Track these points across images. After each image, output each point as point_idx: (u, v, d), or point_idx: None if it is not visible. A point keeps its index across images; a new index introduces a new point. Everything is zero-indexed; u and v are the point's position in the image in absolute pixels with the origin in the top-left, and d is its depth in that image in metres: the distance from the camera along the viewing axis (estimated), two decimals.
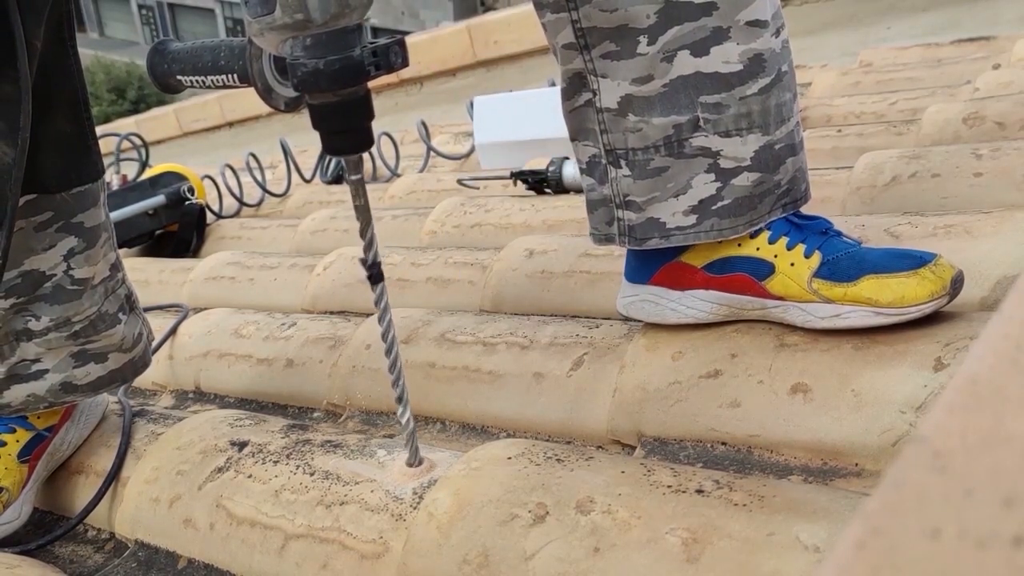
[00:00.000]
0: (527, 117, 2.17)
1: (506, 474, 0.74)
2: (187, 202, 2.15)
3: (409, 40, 3.92)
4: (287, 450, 0.88)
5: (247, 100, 4.49)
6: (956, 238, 0.98)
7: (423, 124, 2.49)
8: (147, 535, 0.90)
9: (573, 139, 0.94)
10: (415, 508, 0.75)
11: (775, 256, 0.87)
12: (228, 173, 2.42)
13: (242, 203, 2.38)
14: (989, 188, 1.18)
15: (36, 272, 0.91)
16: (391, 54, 0.67)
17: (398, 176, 2.39)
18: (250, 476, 0.86)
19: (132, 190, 2.14)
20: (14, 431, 0.98)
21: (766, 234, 0.88)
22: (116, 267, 1.01)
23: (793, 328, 0.88)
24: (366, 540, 0.76)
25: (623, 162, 0.88)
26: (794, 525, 0.62)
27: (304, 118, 0.68)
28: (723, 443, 0.84)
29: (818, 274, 0.85)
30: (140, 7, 28.31)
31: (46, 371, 0.95)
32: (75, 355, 0.96)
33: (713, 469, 0.78)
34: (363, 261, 0.73)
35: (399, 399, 0.77)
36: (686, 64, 0.83)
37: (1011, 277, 0.90)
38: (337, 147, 0.69)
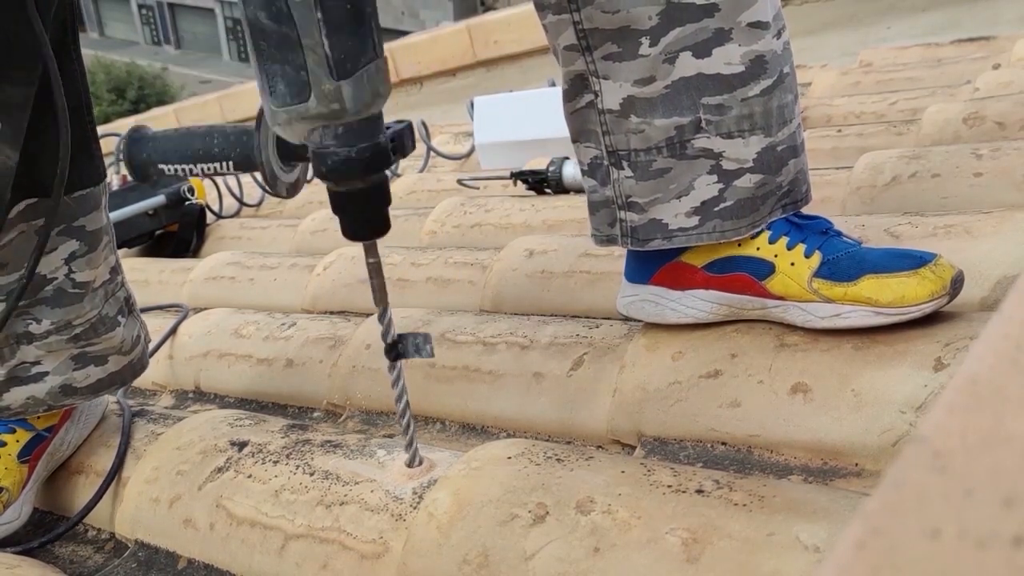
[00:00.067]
0: (527, 117, 2.17)
1: (506, 474, 0.74)
2: (187, 202, 2.15)
3: (409, 40, 3.93)
4: (287, 450, 0.88)
5: (247, 100, 4.50)
6: (956, 238, 0.98)
7: (423, 124, 2.49)
8: (147, 535, 0.90)
9: (575, 140, 0.94)
10: (415, 508, 0.75)
11: (775, 256, 0.87)
12: None
13: (242, 203, 2.38)
14: (989, 188, 1.18)
15: (37, 275, 0.91)
16: (405, 139, 0.70)
17: (398, 176, 2.39)
18: (250, 476, 0.86)
19: (132, 190, 2.14)
20: (14, 431, 0.98)
21: (766, 234, 0.88)
22: (116, 270, 1.01)
23: (793, 328, 0.88)
24: (366, 540, 0.76)
25: (625, 163, 0.89)
26: (794, 525, 0.62)
27: None
28: (723, 443, 0.84)
29: (818, 274, 0.85)
30: (140, 7, 28.32)
31: (46, 374, 0.95)
32: (75, 358, 0.96)
33: (713, 469, 0.78)
34: (383, 339, 0.75)
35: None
36: (688, 65, 0.83)
37: (1011, 277, 0.90)
38: (357, 233, 0.71)
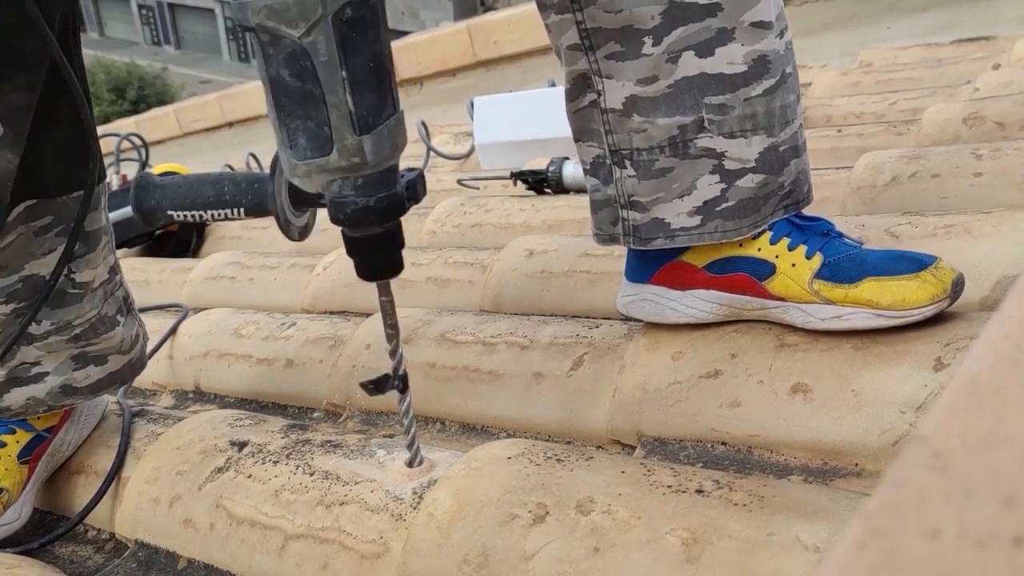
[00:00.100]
0: (527, 117, 2.17)
1: (506, 474, 0.74)
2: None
3: (409, 40, 3.93)
4: (287, 450, 0.88)
5: (247, 100, 4.50)
6: (956, 238, 0.98)
7: (423, 124, 2.49)
8: (147, 535, 0.90)
9: (577, 140, 0.94)
10: (415, 508, 0.75)
11: (776, 257, 0.87)
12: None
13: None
14: (989, 188, 1.18)
15: (36, 276, 0.91)
16: (418, 187, 0.72)
17: None
18: (250, 476, 0.86)
19: None
20: (14, 432, 0.98)
21: (767, 235, 0.88)
22: (114, 270, 1.01)
23: (793, 328, 0.88)
24: (366, 540, 0.76)
25: (628, 162, 0.89)
26: (794, 525, 0.62)
27: None
28: (723, 443, 0.84)
29: (819, 275, 0.85)
30: (140, 7, 28.32)
31: (46, 374, 0.95)
32: (75, 358, 0.96)
33: (713, 469, 0.78)
34: (393, 373, 0.76)
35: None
36: (691, 65, 0.83)
37: (1011, 277, 0.90)
38: (372, 274, 0.73)
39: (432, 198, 2.06)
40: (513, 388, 1.00)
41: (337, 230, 0.72)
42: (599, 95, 0.88)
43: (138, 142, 2.47)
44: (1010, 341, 0.30)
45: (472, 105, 2.31)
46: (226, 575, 0.83)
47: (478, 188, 2.04)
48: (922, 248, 0.96)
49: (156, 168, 2.29)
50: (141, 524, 0.91)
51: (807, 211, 0.93)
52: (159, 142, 4.68)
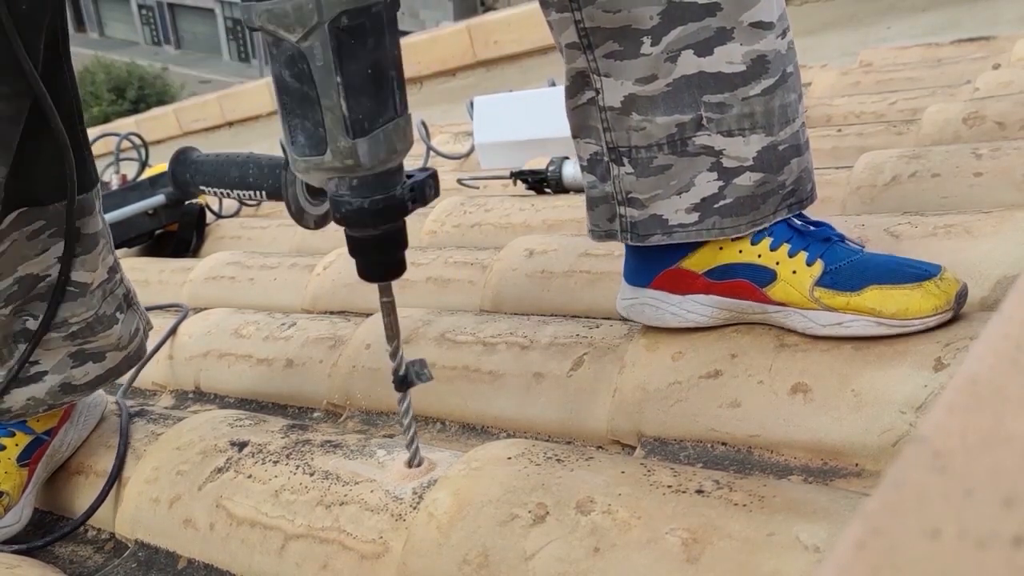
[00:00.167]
0: (527, 117, 2.17)
1: (506, 474, 0.74)
2: (187, 202, 2.15)
3: (409, 40, 3.93)
4: (287, 450, 0.88)
5: (247, 100, 4.49)
6: (956, 238, 0.98)
7: (423, 124, 2.49)
8: (147, 535, 0.90)
9: (575, 136, 0.94)
10: (415, 508, 0.75)
11: (777, 263, 0.87)
12: None
13: (242, 203, 2.37)
14: (989, 188, 1.18)
15: (30, 276, 0.91)
16: (427, 188, 0.72)
17: None
18: (250, 476, 0.86)
19: (132, 190, 2.13)
20: (13, 435, 0.98)
21: (768, 240, 0.88)
22: (114, 269, 1.01)
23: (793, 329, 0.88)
24: (366, 540, 0.76)
25: (626, 160, 0.88)
26: (794, 525, 0.62)
27: None
28: (723, 443, 0.84)
29: (820, 283, 0.85)
30: (140, 7, 28.32)
31: (45, 373, 0.95)
32: (73, 355, 0.96)
33: (713, 469, 0.78)
34: (394, 374, 0.77)
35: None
36: (690, 64, 0.83)
37: (1011, 277, 0.90)
38: (372, 274, 0.73)
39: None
40: (513, 388, 1.00)
41: (336, 230, 0.72)
42: (597, 93, 0.88)
43: (138, 142, 2.47)
44: (1010, 341, 0.30)
45: (472, 105, 2.31)
46: (226, 575, 0.83)
47: (478, 188, 2.04)
48: (922, 248, 0.96)
49: (156, 168, 2.29)
50: (141, 524, 0.91)
51: (811, 215, 0.92)
52: (159, 142, 4.68)
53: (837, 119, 1.98)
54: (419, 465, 0.79)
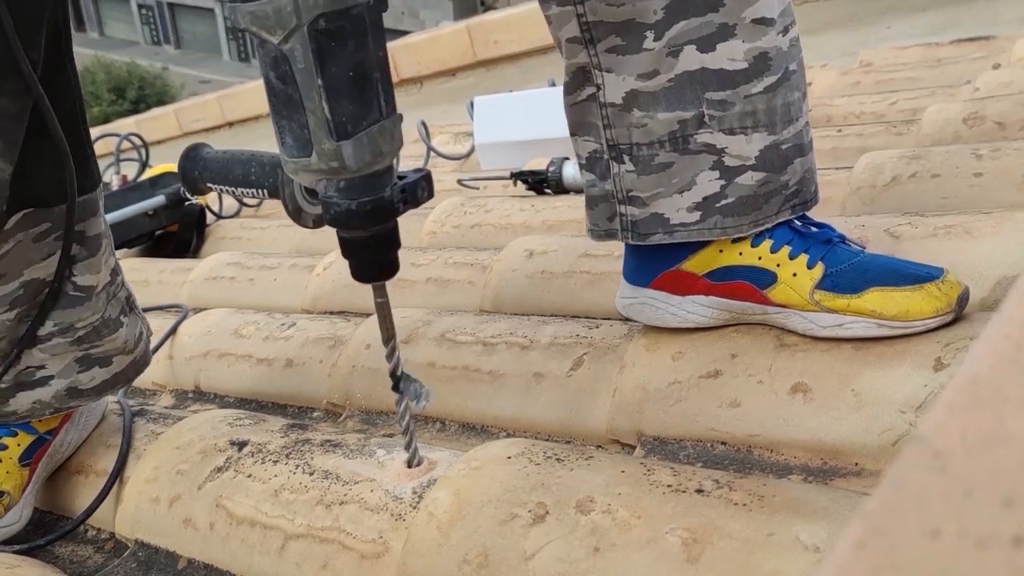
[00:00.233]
0: (527, 117, 2.17)
1: (506, 474, 0.74)
2: (187, 202, 2.15)
3: (409, 40, 3.93)
4: (287, 450, 0.88)
5: (247, 100, 4.49)
6: (956, 238, 0.98)
7: (423, 124, 2.49)
8: (147, 535, 0.90)
9: (573, 134, 0.93)
10: (415, 508, 0.75)
11: (777, 265, 0.87)
12: None
13: (242, 203, 2.38)
14: (989, 188, 1.18)
15: (36, 280, 0.91)
16: (419, 190, 0.71)
17: None
18: (250, 476, 0.86)
19: (132, 190, 2.14)
20: (15, 435, 0.98)
21: (768, 242, 0.88)
22: (115, 271, 1.01)
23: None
24: (366, 540, 0.76)
25: (627, 157, 0.88)
26: (794, 525, 0.62)
27: None
28: (723, 443, 0.84)
29: (820, 285, 0.84)
30: (140, 7, 28.32)
31: (51, 377, 0.95)
32: (79, 360, 0.96)
33: (713, 469, 0.78)
34: (391, 374, 0.77)
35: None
36: (692, 59, 0.83)
37: (1011, 277, 0.90)
38: (365, 275, 0.73)
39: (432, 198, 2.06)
40: (513, 388, 1.00)
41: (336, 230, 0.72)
42: (598, 89, 0.87)
43: (138, 142, 2.47)
44: (1010, 341, 0.30)
45: (472, 105, 2.31)
46: (226, 575, 0.83)
47: (478, 188, 2.04)
48: (922, 248, 0.96)
49: (156, 168, 2.30)
50: (141, 524, 0.91)
51: (812, 216, 0.92)
52: (159, 142, 4.68)
53: (837, 119, 1.98)
54: (419, 465, 0.79)
